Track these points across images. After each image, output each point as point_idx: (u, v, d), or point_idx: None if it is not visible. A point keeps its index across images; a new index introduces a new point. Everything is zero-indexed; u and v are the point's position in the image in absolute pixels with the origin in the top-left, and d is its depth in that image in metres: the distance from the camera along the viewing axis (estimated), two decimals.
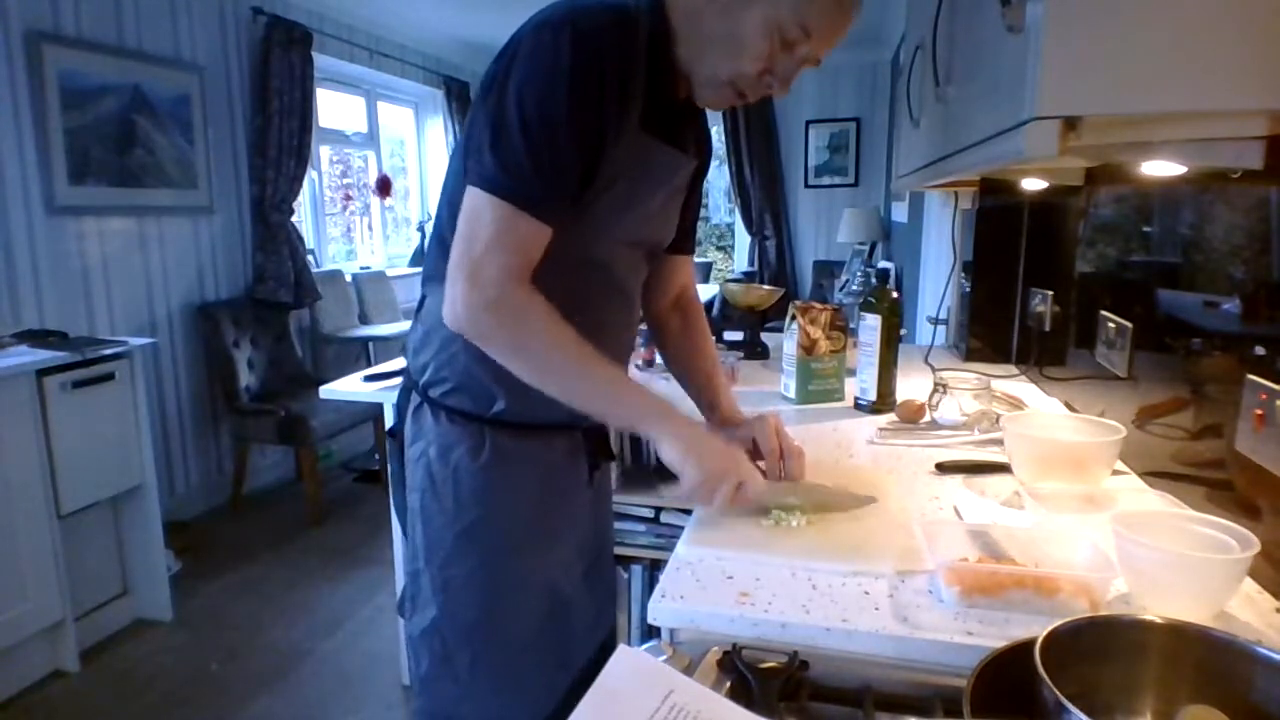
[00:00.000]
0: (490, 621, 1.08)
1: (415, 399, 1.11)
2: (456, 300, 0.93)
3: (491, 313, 0.93)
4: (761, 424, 1.12)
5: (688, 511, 1.56)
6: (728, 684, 0.69)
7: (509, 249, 0.92)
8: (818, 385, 1.64)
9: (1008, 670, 0.60)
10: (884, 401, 1.56)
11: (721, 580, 0.87)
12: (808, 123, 5.93)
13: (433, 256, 1.07)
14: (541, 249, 0.95)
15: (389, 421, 2.10)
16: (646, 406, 0.99)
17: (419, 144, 5.65)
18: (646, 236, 1.11)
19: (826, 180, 6.00)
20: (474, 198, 0.93)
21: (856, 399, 1.60)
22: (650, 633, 0.87)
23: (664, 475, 1.03)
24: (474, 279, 0.92)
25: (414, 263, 5.34)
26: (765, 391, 1.75)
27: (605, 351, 1.08)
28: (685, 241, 1.27)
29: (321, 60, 4.18)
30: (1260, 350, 0.89)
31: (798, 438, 1.39)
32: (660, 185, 1.07)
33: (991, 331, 2.00)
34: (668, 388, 1.83)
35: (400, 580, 2.20)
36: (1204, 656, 0.63)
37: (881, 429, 1.43)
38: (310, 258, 4.23)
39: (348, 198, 5.09)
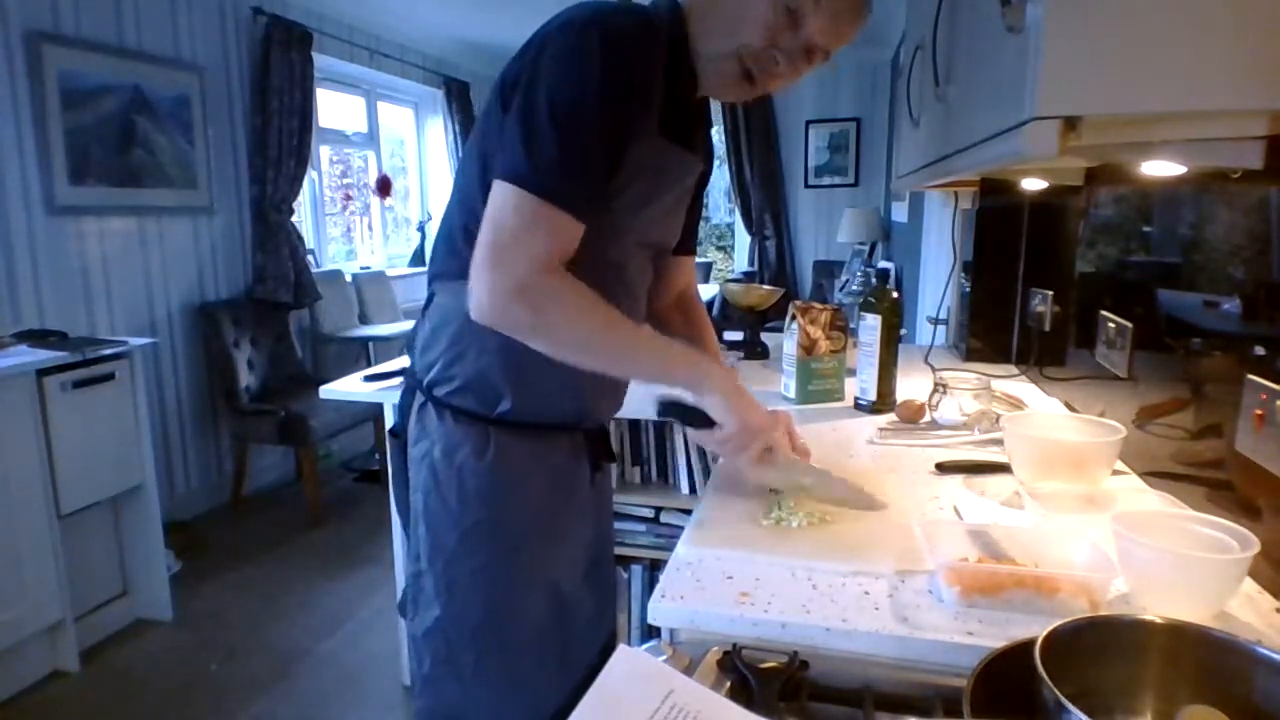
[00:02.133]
0: (494, 621, 1.08)
1: (419, 398, 1.11)
2: (484, 290, 0.92)
3: (519, 299, 0.92)
4: (772, 420, 1.14)
5: (687, 511, 1.57)
6: (728, 684, 0.69)
7: (537, 240, 0.92)
8: (818, 385, 1.64)
9: (1008, 670, 0.59)
10: (884, 401, 1.56)
11: (721, 580, 0.86)
12: (808, 123, 5.93)
13: (440, 255, 1.07)
14: (574, 243, 0.94)
15: (389, 421, 2.11)
16: (694, 360, 1.03)
17: (419, 144, 5.65)
18: (656, 237, 1.13)
19: (826, 180, 6.00)
20: (503, 191, 0.92)
21: (856, 399, 1.60)
22: (650, 633, 0.87)
23: (692, 419, 1.04)
24: (501, 267, 0.91)
25: (414, 263, 5.34)
26: (765, 391, 1.75)
27: None
28: (688, 242, 1.28)
29: (321, 60, 4.18)
30: (1260, 350, 0.89)
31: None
32: (672, 187, 1.08)
33: (991, 331, 2.00)
34: None
35: (399, 580, 2.20)
36: (1204, 656, 0.63)
37: (881, 429, 1.43)
38: (310, 258, 4.23)
39: (348, 198, 5.09)
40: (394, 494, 1.21)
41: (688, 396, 1.03)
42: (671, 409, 1.08)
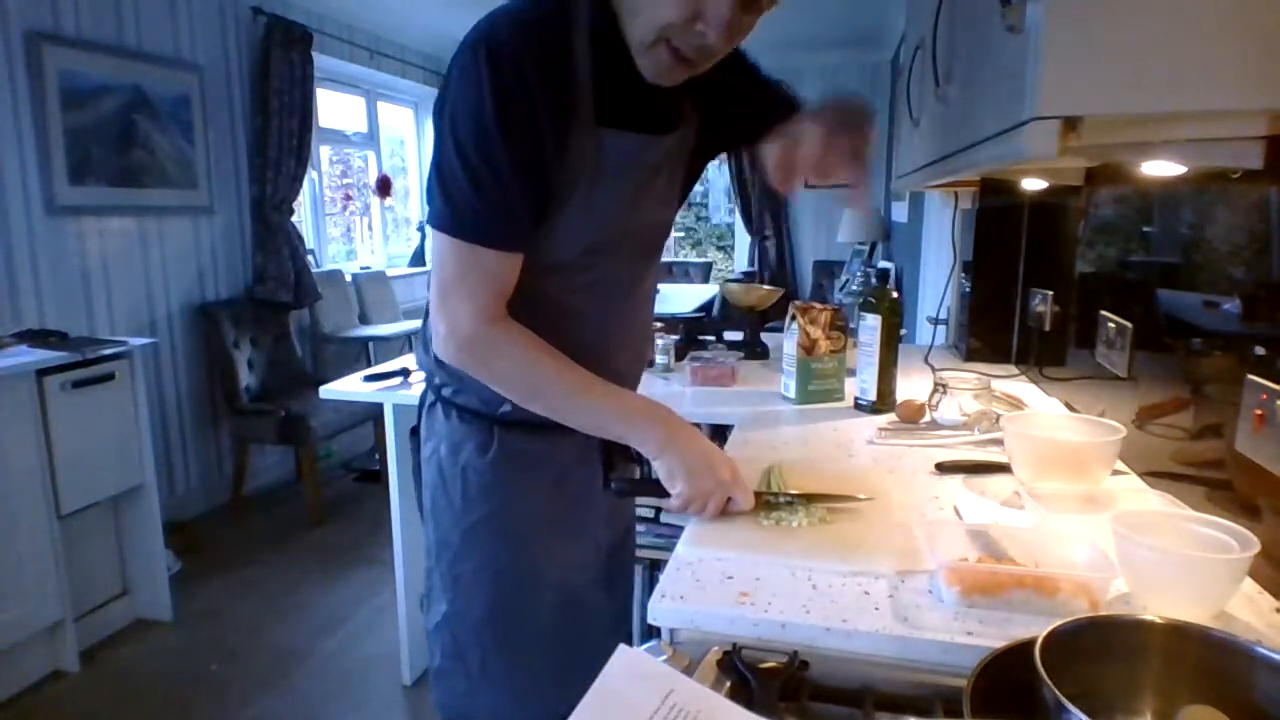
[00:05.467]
0: (498, 619, 1.09)
1: (430, 397, 1.13)
2: (439, 340, 0.98)
3: (468, 352, 0.97)
4: (717, 481, 0.99)
5: None
6: (728, 684, 0.69)
7: (475, 287, 0.94)
8: (818, 385, 1.64)
9: (1008, 670, 0.59)
10: (884, 401, 1.56)
11: (721, 580, 0.86)
12: None
13: None
14: (512, 274, 0.96)
15: (389, 421, 2.11)
16: (632, 423, 1.01)
17: (419, 144, 5.65)
18: (634, 228, 1.06)
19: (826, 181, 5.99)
20: (436, 238, 0.95)
21: (856, 399, 1.60)
22: (650, 633, 0.87)
23: (647, 490, 1.04)
24: (449, 321, 0.96)
25: (414, 263, 5.34)
26: (765, 391, 1.75)
27: (615, 353, 1.08)
28: (778, 111, 1.08)
29: (321, 60, 4.18)
30: (1260, 350, 0.89)
31: (797, 438, 1.40)
32: (632, 173, 1.01)
33: (991, 331, 2.00)
34: (665, 388, 1.84)
35: (400, 580, 2.21)
36: (1204, 656, 0.62)
37: (881, 429, 1.43)
38: (310, 258, 4.23)
39: (348, 198, 5.09)
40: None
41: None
42: (625, 487, 1.09)
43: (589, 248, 1.01)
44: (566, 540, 1.12)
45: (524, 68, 0.87)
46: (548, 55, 0.89)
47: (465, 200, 0.91)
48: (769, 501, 1.03)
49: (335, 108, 4.74)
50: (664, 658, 0.69)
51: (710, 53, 0.90)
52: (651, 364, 1.98)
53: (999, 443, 1.29)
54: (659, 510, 1.97)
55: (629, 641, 1.26)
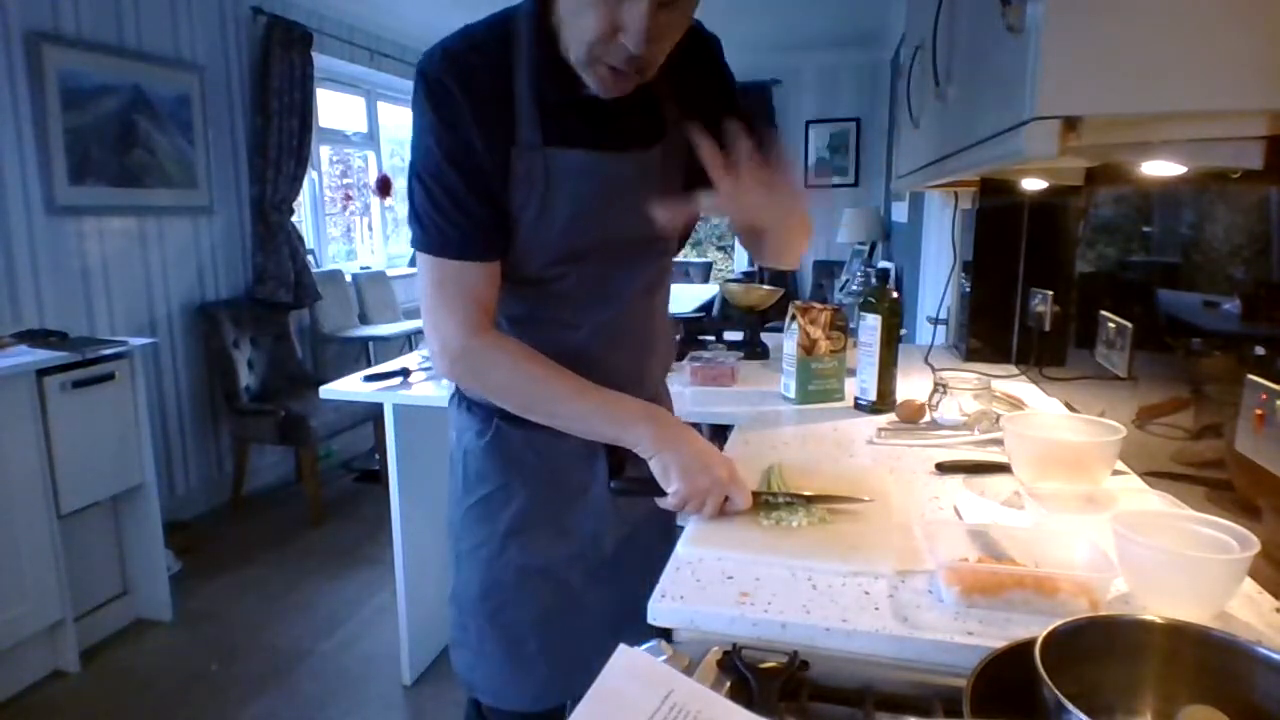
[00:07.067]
0: (489, 600, 1.13)
1: (451, 389, 1.18)
2: (434, 357, 1.02)
3: (460, 367, 1.01)
4: (712, 479, 0.99)
5: None
6: (728, 684, 0.69)
7: (456, 301, 0.98)
8: (818, 385, 1.64)
9: (1008, 670, 0.59)
10: (884, 401, 1.56)
11: (721, 580, 0.86)
12: (808, 123, 5.94)
13: None
14: (490, 285, 0.99)
15: (389, 421, 2.11)
16: (622, 424, 1.02)
17: None
18: (609, 239, 1.04)
19: (826, 180, 6.00)
20: (418, 258, 1.00)
21: (856, 399, 1.60)
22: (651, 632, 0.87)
23: (644, 490, 1.04)
24: (439, 338, 0.99)
25: (414, 263, 5.33)
26: (765, 391, 1.75)
27: (612, 353, 1.08)
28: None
29: (321, 60, 4.18)
30: (1260, 350, 0.89)
31: (797, 438, 1.40)
32: (592, 190, 0.99)
33: (991, 331, 2.00)
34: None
35: (400, 580, 2.21)
36: (1204, 656, 0.62)
37: (881, 429, 1.43)
38: (310, 258, 4.23)
39: (348, 198, 5.09)
40: None
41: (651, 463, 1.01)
42: (622, 487, 1.08)
43: (555, 259, 1.02)
44: (557, 535, 1.13)
45: (454, 95, 0.91)
46: (478, 82, 0.92)
47: (430, 220, 0.95)
48: (769, 501, 1.03)
49: (335, 108, 4.74)
50: (664, 658, 0.69)
51: (642, 62, 0.88)
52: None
53: (999, 443, 1.29)
54: None
55: (642, 641, 1.26)
